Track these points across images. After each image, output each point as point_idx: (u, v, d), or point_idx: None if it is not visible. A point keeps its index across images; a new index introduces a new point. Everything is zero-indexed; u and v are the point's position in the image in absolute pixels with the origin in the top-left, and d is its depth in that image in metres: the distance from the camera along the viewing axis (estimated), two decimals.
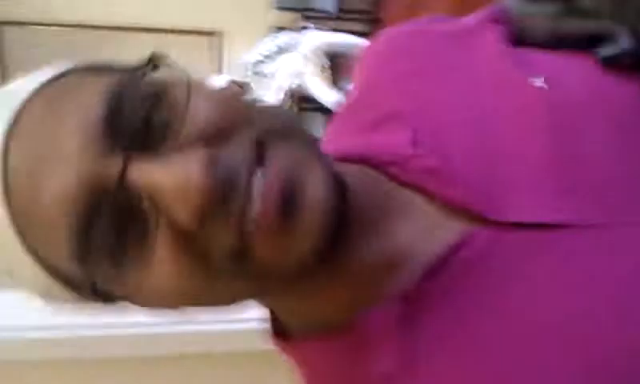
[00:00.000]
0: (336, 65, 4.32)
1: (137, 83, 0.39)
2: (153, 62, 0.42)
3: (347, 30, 4.37)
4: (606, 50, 0.49)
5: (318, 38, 4.05)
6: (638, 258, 0.40)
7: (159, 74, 0.41)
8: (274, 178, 0.37)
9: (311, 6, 4.73)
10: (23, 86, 0.40)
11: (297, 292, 0.46)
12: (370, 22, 4.90)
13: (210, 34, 4.75)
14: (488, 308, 0.41)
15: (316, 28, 4.21)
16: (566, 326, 0.39)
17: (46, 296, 0.43)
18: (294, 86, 4.00)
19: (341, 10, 4.92)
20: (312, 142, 0.43)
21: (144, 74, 0.40)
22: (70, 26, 4.52)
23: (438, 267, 0.42)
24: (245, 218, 0.37)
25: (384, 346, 0.43)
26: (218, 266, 0.38)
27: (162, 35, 4.47)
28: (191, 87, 0.40)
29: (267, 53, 4.04)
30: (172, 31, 4.54)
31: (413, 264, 0.44)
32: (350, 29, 4.45)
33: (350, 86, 0.59)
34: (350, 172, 0.46)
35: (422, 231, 0.45)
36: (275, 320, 0.52)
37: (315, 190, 0.38)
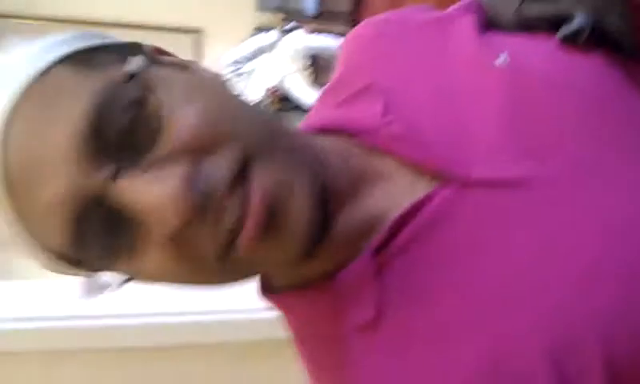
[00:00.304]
0: (316, 66, 4.35)
1: (120, 90, 0.39)
2: (138, 54, 0.43)
3: (328, 31, 4.41)
4: (564, 30, 0.54)
5: (299, 40, 4.09)
6: (590, 211, 0.44)
7: (141, 77, 0.41)
8: (258, 197, 0.39)
9: (293, 7, 4.78)
10: (9, 79, 0.40)
11: None
12: (350, 23, 4.95)
13: (192, 32, 4.76)
14: (450, 256, 0.45)
15: (297, 28, 4.24)
16: (524, 271, 0.43)
17: (51, 269, 0.46)
18: (272, 85, 4.02)
19: (322, 12, 4.98)
20: (297, 151, 0.45)
21: (128, 77, 0.40)
22: (53, 20, 4.49)
23: (403, 222, 0.47)
24: (221, 230, 0.40)
25: (362, 296, 0.47)
26: (206, 263, 0.41)
27: (145, 32, 4.47)
28: (175, 87, 0.41)
29: (248, 53, 4.06)
30: (155, 28, 4.54)
31: (385, 222, 0.48)
32: (330, 30, 4.50)
33: None
34: (329, 145, 0.51)
35: (394, 193, 0.49)
36: (263, 278, 0.56)
37: (298, 209, 0.41)
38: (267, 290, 0.56)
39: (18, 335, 1.45)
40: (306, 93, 3.94)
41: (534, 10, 0.59)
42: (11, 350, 1.44)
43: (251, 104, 0.46)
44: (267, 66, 4.02)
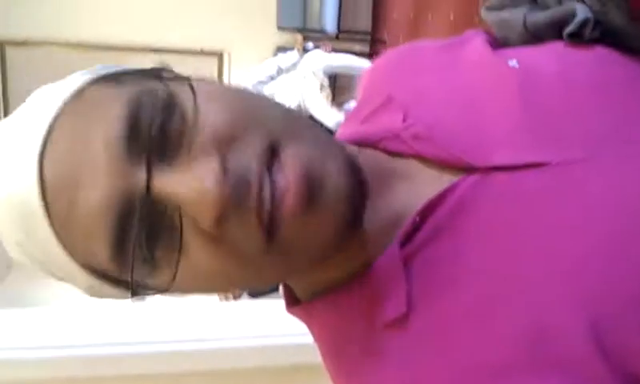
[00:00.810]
0: (336, 85, 4.38)
1: (149, 99, 0.42)
2: (157, 74, 0.46)
3: (347, 50, 4.46)
4: (569, 27, 0.56)
5: (319, 58, 4.13)
6: (611, 191, 0.46)
7: (166, 86, 0.43)
8: (293, 171, 0.41)
9: (312, 26, 4.85)
10: (46, 103, 0.43)
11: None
12: (369, 42, 5.00)
13: (214, 54, 4.85)
14: (477, 239, 0.47)
15: (316, 47, 4.29)
16: (549, 248, 0.45)
17: (91, 293, 0.48)
18: (293, 105, 4.05)
19: (341, 31, 5.04)
20: (323, 135, 0.47)
21: (154, 89, 0.42)
22: (76, 46, 4.62)
23: (427, 213, 0.48)
24: (262, 211, 0.41)
25: (392, 291, 0.48)
26: (249, 252, 0.41)
27: (167, 55, 4.58)
28: (197, 93, 0.43)
29: (268, 73, 4.11)
30: (177, 51, 4.64)
31: (411, 215, 0.49)
32: (350, 49, 4.54)
33: (351, 106, 0.68)
34: (354, 150, 0.53)
35: (418, 189, 0.50)
36: (289, 292, 0.58)
37: (334, 179, 0.43)
38: (293, 304, 0.57)
39: (36, 364, 1.48)
40: (326, 112, 3.97)
41: (540, 18, 0.61)
42: (36, 377, 1.47)
43: (275, 101, 0.49)
44: (288, 86, 4.06)
